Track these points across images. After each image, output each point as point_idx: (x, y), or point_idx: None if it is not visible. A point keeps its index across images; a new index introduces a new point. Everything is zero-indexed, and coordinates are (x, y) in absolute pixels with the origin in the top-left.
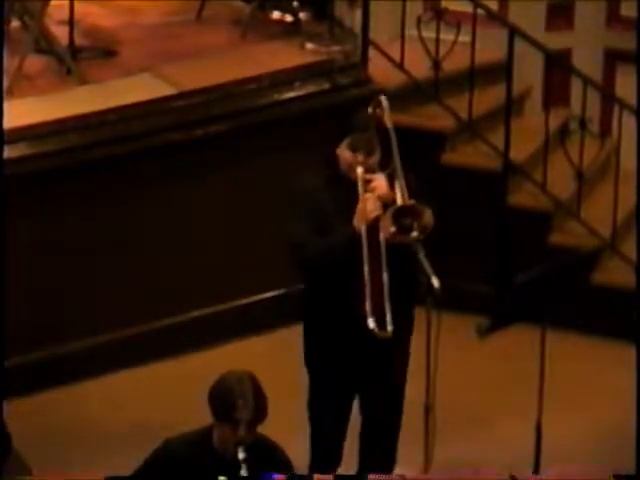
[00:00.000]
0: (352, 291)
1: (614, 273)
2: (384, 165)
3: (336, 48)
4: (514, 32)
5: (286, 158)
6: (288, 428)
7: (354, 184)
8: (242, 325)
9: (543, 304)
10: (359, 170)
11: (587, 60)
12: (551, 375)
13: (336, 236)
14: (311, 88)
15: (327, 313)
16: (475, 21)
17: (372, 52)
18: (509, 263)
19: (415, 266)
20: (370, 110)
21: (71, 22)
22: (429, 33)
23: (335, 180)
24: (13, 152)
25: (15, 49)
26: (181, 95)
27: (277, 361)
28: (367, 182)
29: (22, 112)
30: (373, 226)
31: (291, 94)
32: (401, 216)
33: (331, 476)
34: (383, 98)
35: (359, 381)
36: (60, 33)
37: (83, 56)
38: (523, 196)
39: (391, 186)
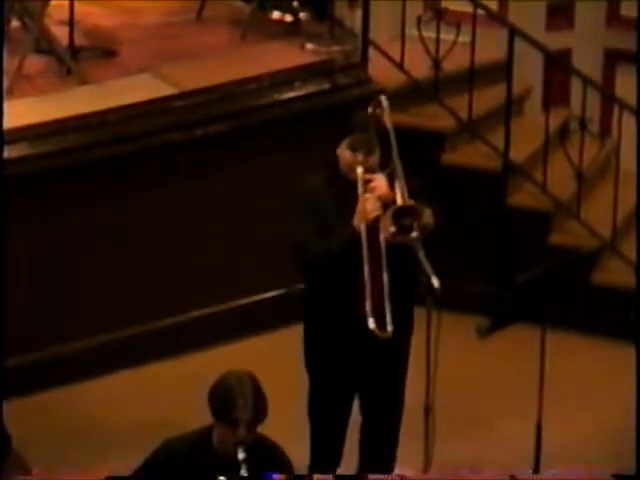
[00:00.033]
0: (352, 291)
1: (614, 273)
2: (384, 165)
3: (336, 48)
4: (514, 32)
5: (286, 158)
6: (288, 428)
7: (354, 184)
8: (242, 325)
9: (543, 304)
10: (359, 170)
11: (587, 60)
12: (551, 375)
13: (336, 236)
14: (311, 88)
15: (327, 313)
16: (475, 21)
17: (372, 52)
18: (509, 263)
19: (415, 266)
20: (370, 110)
21: (71, 22)
22: (429, 33)
23: (335, 180)
24: (13, 152)
25: (15, 49)
26: (181, 95)
27: (277, 361)
28: (367, 182)
29: (22, 112)
30: (373, 226)
31: (291, 94)
32: (401, 216)
33: (331, 476)
34: (383, 98)
35: (359, 381)
36: (60, 33)
37: (83, 56)
38: (523, 196)
39: (391, 186)
